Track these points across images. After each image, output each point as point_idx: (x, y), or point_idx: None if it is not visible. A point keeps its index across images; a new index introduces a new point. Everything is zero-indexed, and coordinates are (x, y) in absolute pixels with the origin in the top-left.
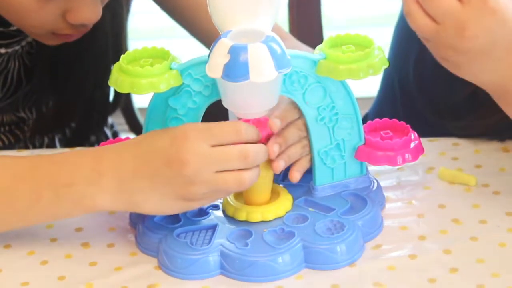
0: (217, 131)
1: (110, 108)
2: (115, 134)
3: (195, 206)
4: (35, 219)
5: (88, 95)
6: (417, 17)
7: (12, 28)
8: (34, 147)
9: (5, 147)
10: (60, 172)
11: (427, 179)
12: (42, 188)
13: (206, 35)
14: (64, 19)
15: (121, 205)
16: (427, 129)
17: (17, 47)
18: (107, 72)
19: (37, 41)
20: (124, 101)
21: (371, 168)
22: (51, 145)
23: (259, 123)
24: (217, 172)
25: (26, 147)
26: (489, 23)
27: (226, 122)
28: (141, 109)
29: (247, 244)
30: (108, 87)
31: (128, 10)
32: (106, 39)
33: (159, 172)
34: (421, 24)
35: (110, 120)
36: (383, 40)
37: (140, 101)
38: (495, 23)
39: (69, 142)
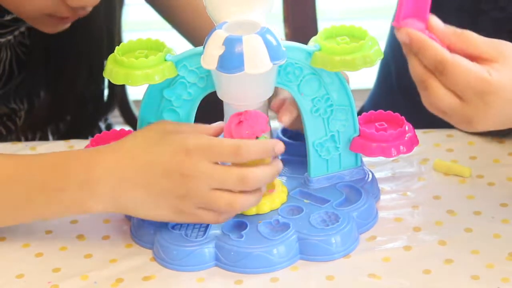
0: (217, 150)
1: (104, 106)
2: (108, 126)
3: (186, 219)
4: (25, 219)
5: (81, 89)
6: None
7: (5, 18)
8: (27, 139)
9: None
10: (52, 176)
11: (422, 170)
12: (33, 193)
13: (193, 34)
14: (64, 2)
15: (112, 209)
16: (426, 121)
17: (9, 37)
18: (101, 67)
19: (31, 31)
20: (119, 98)
21: (366, 159)
22: (44, 137)
23: (255, 118)
24: (213, 189)
25: (18, 139)
26: (492, 116)
27: (228, 140)
28: (136, 101)
29: (242, 236)
30: (103, 82)
31: (122, 2)
32: (101, 33)
33: (155, 182)
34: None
35: None
36: (378, 32)
37: (135, 93)
38: (500, 112)
39: (62, 136)
